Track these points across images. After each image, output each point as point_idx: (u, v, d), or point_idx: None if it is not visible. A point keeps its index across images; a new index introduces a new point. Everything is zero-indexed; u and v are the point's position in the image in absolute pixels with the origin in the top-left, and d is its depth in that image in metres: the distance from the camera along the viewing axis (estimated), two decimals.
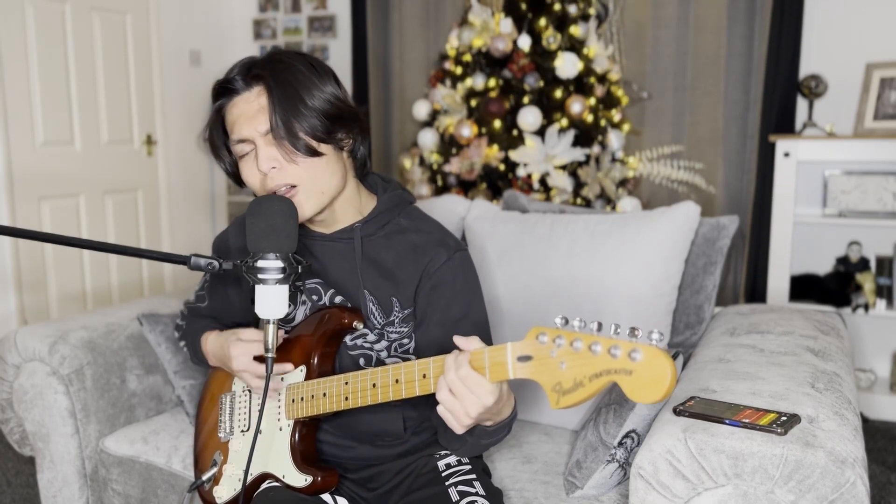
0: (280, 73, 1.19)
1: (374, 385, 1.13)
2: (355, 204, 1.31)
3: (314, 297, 1.32)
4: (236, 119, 1.21)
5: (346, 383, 1.17)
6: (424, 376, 1.06)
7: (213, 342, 1.41)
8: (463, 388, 0.98)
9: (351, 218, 1.31)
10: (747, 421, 1.09)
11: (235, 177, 1.29)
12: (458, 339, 1.01)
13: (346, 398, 1.17)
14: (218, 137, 1.26)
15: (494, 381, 0.97)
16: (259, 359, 1.30)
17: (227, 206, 4.32)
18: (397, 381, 1.10)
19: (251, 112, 1.19)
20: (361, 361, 1.30)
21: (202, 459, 1.43)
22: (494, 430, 1.11)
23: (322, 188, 1.22)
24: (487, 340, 1.28)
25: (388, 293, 1.28)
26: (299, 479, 1.25)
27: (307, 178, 1.20)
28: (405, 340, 1.30)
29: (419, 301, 1.28)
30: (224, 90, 1.23)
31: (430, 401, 1.28)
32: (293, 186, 1.20)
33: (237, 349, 1.30)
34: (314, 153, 1.19)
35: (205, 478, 1.34)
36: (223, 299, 1.47)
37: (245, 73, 1.21)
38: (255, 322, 1.51)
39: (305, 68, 1.21)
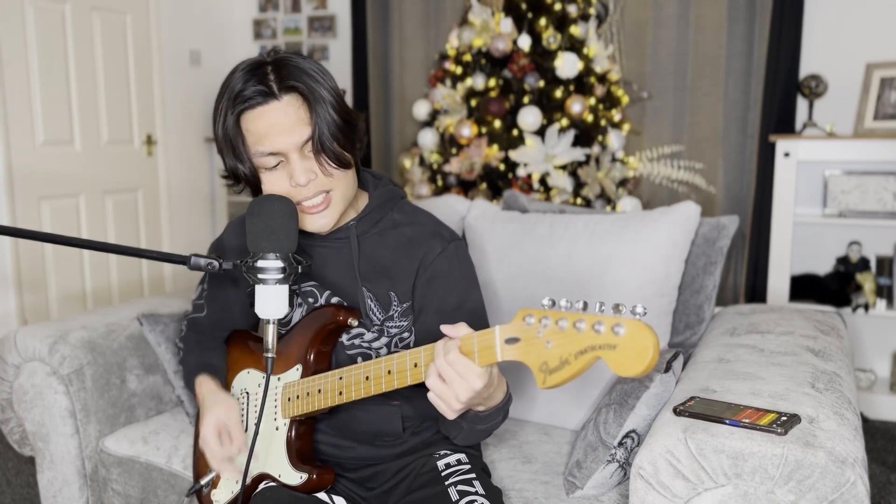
0: (311, 83, 1.15)
1: (367, 378, 1.14)
2: (354, 206, 1.32)
3: (310, 300, 1.33)
4: (267, 130, 1.14)
5: (341, 378, 1.18)
6: (416, 365, 1.07)
7: (203, 397, 1.35)
8: (452, 372, 0.98)
9: (347, 218, 1.31)
10: (747, 421, 1.09)
11: (253, 186, 1.21)
12: (444, 328, 1.01)
13: (340, 392, 1.17)
14: (238, 145, 1.18)
15: (484, 366, 0.98)
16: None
17: (227, 206, 4.32)
18: (389, 371, 1.10)
19: (288, 124, 1.14)
20: (359, 360, 1.31)
21: (200, 464, 1.43)
22: (488, 416, 1.11)
23: (347, 197, 1.24)
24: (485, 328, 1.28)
25: (386, 288, 1.29)
26: (295, 477, 1.25)
27: (337, 188, 1.20)
28: (405, 334, 1.30)
29: (417, 293, 1.29)
30: (246, 98, 1.15)
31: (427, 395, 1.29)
32: (324, 198, 1.19)
33: (200, 442, 1.30)
34: (346, 164, 1.19)
35: (203, 482, 1.34)
36: (222, 306, 1.47)
37: (278, 82, 1.14)
38: (256, 325, 1.51)
39: (320, 74, 1.18)
